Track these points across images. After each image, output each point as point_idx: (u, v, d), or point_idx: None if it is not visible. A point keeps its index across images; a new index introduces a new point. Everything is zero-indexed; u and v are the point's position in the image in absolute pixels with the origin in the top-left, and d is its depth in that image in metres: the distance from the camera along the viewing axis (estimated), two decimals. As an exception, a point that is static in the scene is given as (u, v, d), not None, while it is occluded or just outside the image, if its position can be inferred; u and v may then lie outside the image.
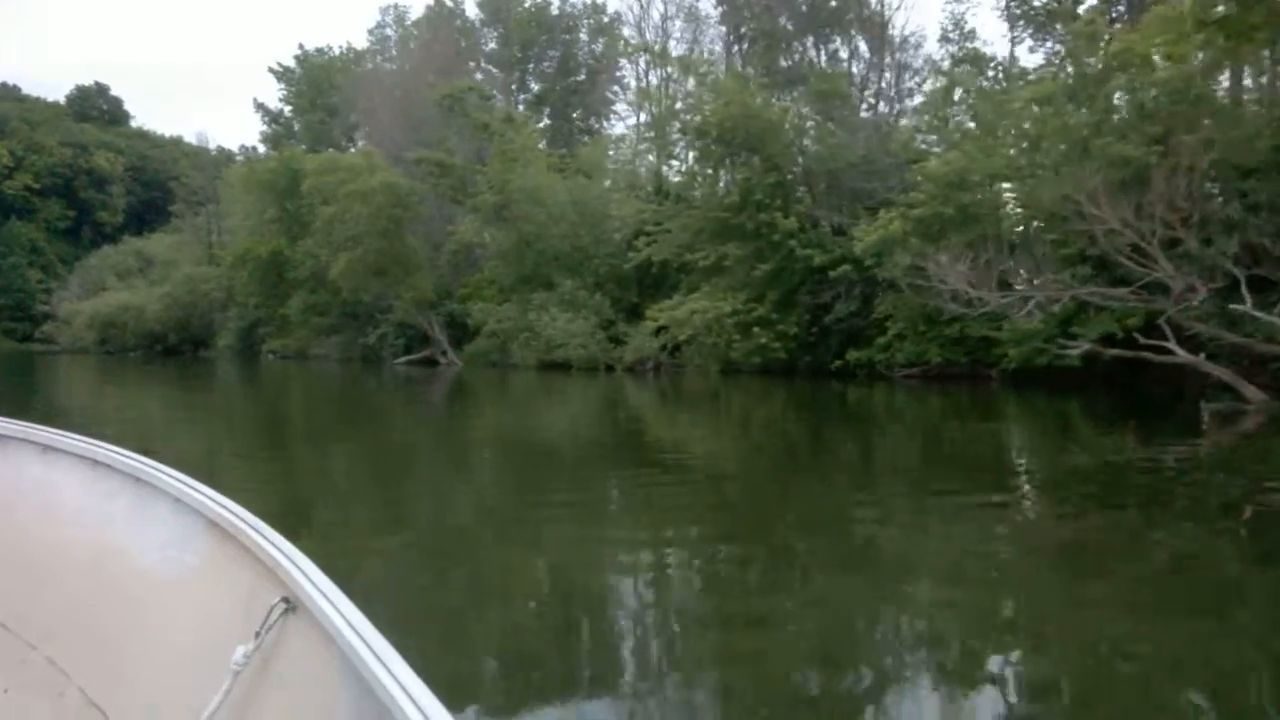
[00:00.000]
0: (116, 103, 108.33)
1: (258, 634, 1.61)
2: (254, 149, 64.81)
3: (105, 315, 58.06)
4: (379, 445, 13.79)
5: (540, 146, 37.33)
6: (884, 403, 21.20)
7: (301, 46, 64.85)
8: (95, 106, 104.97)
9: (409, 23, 61.04)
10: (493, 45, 55.78)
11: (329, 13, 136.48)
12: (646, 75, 45.60)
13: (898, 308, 23.04)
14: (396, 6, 61.79)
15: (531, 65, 55.12)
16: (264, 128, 65.79)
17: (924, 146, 25.66)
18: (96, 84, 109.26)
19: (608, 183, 37.10)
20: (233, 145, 74.75)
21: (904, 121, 29.01)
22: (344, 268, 35.42)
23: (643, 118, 41.69)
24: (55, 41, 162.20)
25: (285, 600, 1.63)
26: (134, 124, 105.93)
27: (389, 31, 62.98)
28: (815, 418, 19.11)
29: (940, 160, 21.96)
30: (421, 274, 36.62)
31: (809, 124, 26.40)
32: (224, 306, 52.82)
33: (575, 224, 32.22)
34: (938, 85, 26.69)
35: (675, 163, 32.88)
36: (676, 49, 41.04)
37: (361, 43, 64.70)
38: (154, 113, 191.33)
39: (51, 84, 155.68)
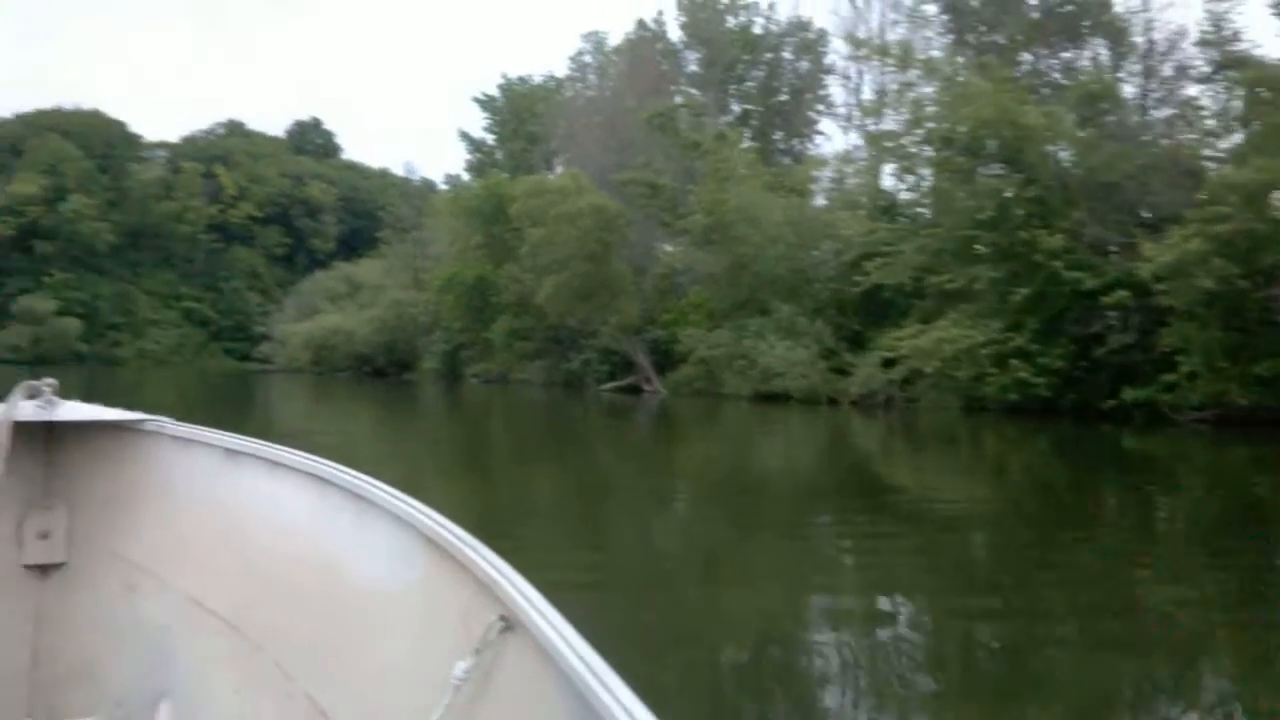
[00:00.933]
0: (329, 136, 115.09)
1: (477, 650, 1.63)
2: (458, 177, 66.49)
3: (318, 337, 60.47)
4: (584, 472, 13.24)
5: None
6: (1174, 450, 18.16)
7: (504, 76, 66.11)
8: (311, 140, 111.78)
9: (608, 49, 61.22)
10: (693, 67, 54.89)
11: (532, 42, 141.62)
12: (859, 90, 43.48)
13: (1190, 340, 19.81)
14: (597, 34, 62.11)
15: (733, 86, 53.82)
16: (468, 156, 67.38)
17: (1209, 153, 22.38)
18: (312, 119, 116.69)
19: (821, 201, 35.07)
20: (438, 174, 77.53)
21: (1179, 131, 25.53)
22: (551, 292, 34.75)
23: (852, 136, 39.61)
24: (275, 80, 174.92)
25: (503, 618, 1.64)
26: (345, 156, 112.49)
27: (588, 59, 63.39)
28: (1087, 465, 16.44)
29: (1251, 168, 18.72)
30: (627, 298, 35.55)
31: (1076, 132, 23.38)
32: (428, 330, 53.79)
33: (793, 245, 30.27)
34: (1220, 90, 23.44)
35: (908, 178, 30.38)
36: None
37: (562, 71, 65.39)
38: (364, 145, 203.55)
39: (272, 119, 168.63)
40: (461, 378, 47.99)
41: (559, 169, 54.79)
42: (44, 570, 2.43)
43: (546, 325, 39.98)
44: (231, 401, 33.77)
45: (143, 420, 2.51)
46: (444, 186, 68.86)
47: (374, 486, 2.10)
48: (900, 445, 19.65)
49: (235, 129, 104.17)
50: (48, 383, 2.37)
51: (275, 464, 2.32)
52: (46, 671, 2.38)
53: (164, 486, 2.47)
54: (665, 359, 35.60)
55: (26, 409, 2.31)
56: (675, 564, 7.22)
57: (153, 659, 2.32)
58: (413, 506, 2.01)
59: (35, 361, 67.39)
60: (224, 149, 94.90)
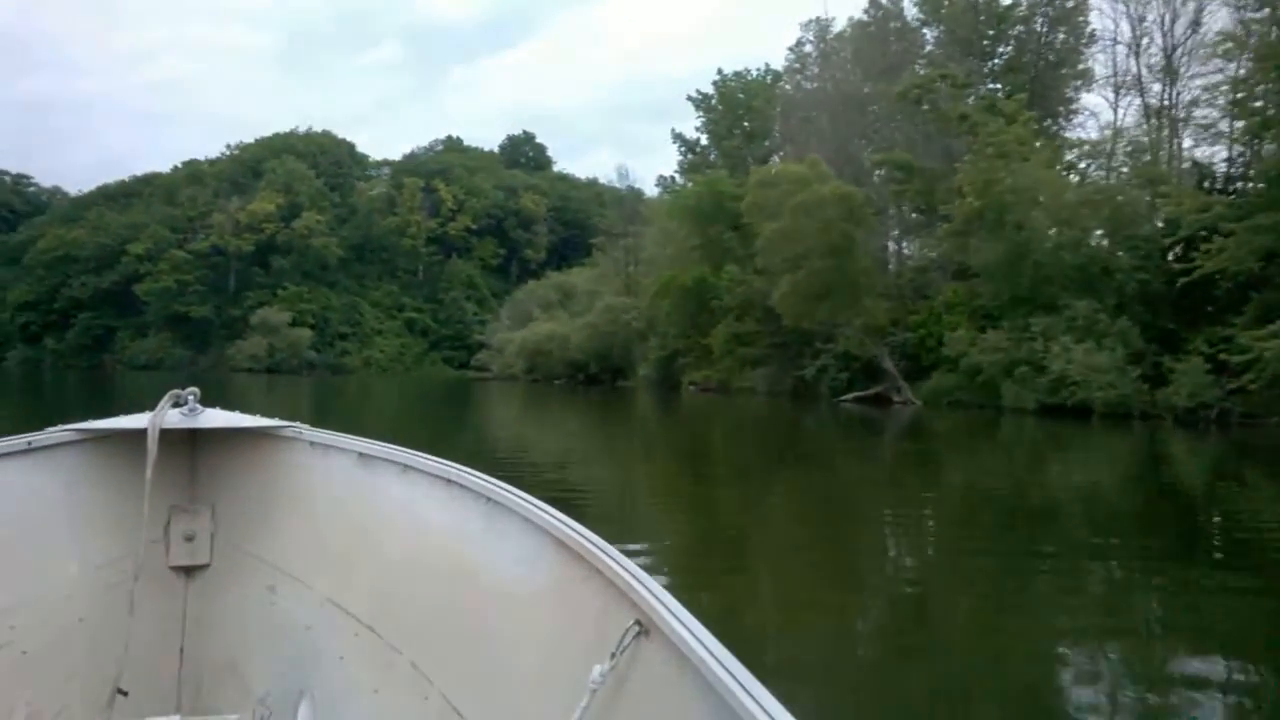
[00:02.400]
0: (541, 149, 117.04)
1: (613, 655, 1.63)
2: (671, 180, 64.22)
3: (533, 344, 59.78)
4: (832, 496, 11.57)
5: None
6: None
7: (720, 71, 63.14)
8: (523, 153, 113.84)
9: (831, 36, 57.10)
10: (931, 47, 49.89)
11: (746, 37, 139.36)
12: (1137, 55, 37.41)
13: None
14: (819, 20, 58.07)
15: (975, 60, 48.40)
16: (680, 158, 64.96)
17: None
18: (524, 132, 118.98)
19: (1101, 176, 29.74)
20: (647, 183, 75.80)
21: None
22: (786, 291, 31.10)
23: (1133, 106, 33.81)
24: (490, 97, 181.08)
25: (638, 623, 1.64)
26: (556, 168, 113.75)
27: (809, 48, 59.52)
28: None
29: None
30: (872, 297, 31.43)
31: None
32: (643, 337, 51.65)
33: (1087, 230, 25.30)
34: None
35: (1220, 149, 24.75)
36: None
37: (780, 62, 61.79)
38: (574, 156, 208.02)
39: (487, 134, 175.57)
40: (678, 386, 45.27)
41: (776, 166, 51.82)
42: (189, 571, 2.49)
43: (773, 329, 36.50)
44: (448, 411, 32.25)
45: (281, 426, 2.54)
46: (655, 191, 66.80)
47: (504, 490, 2.12)
48: (1252, 472, 15.00)
49: (453, 145, 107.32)
50: (191, 391, 2.40)
51: (408, 468, 2.35)
52: (193, 669, 2.43)
53: (302, 490, 2.52)
54: (914, 365, 31.27)
55: (173, 416, 2.35)
56: (951, 618, 5.87)
57: (294, 658, 2.36)
58: (543, 510, 2.01)
59: (270, 370, 70.73)
60: (442, 164, 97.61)
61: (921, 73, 36.63)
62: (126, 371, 69.55)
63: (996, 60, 48.44)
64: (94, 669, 2.25)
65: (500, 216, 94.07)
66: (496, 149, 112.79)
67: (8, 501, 2.27)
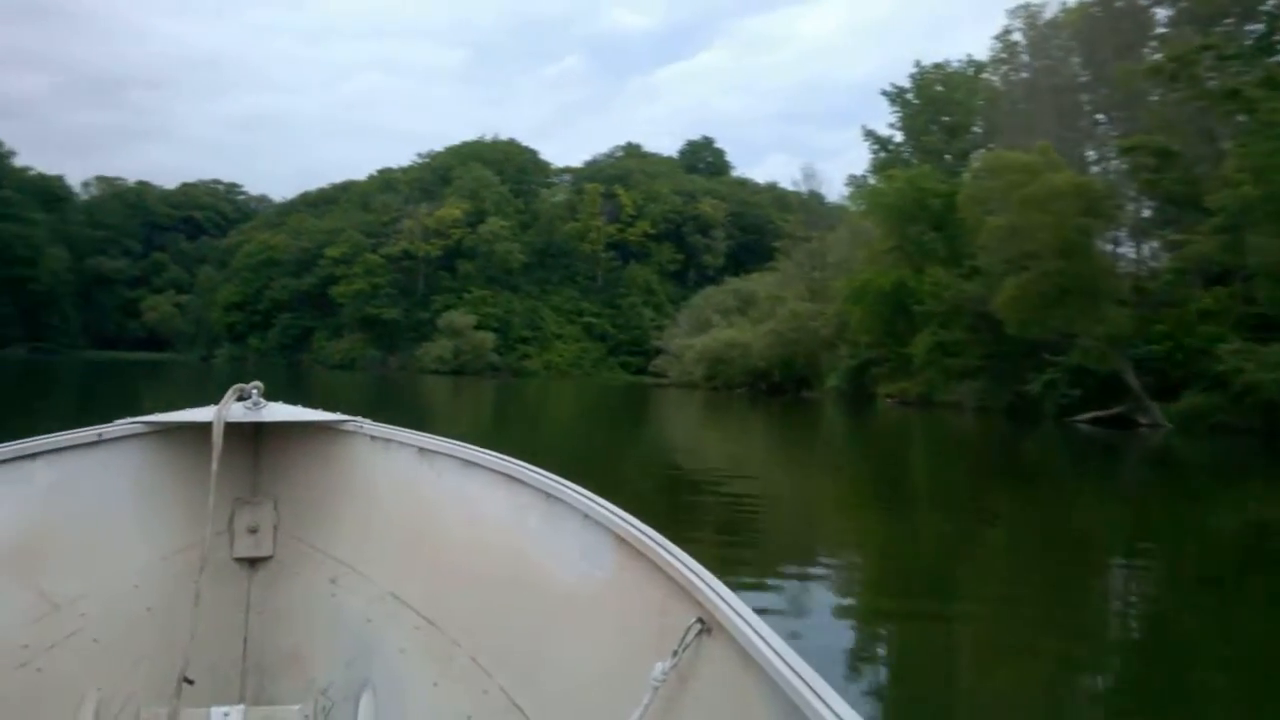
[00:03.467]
0: (720, 154, 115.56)
1: (675, 652, 1.62)
2: (863, 178, 61.06)
3: (713, 351, 57.91)
4: (1055, 528, 9.86)
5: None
6: None
7: (918, 64, 59.52)
8: (701, 159, 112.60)
9: (1043, 23, 52.63)
10: (1162, 29, 44.91)
11: (946, 28, 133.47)
12: None
13: None
14: (1028, 6, 53.67)
15: (1217, 44, 43.15)
16: (872, 155, 61.63)
17: None
18: (704, 137, 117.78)
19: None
20: (823, 183, 72.42)
21: None
22: (1013, 295, 27.79)
23: None
24: (666, 105, 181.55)
25: (700, 620, 1.64)
26: (734, 173, 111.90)
27: (1017, 36, 55.19)
28: None
29: None
30: (1112, 304, 27.71)
31: None
32: (831, 345, 48.83)
33: None
34: None
35: None
36: None
37: (983, 53, 57.67)
38: (752, 161, 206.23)
39: (667, 140, 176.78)
40: (871, 398, 42.29)
41: (976, 162, 48.23)
42: (253, 563, 2.50)
43: (987, 338, 33.10)
44: (625, 417, 30.79)
45: (343, 420, 2.54)
46: (836, 195, 63.88)
47: (563, 485, 2.12)
48: None
49: (632, 151, 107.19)
50: (255, 385, 2.42)
51: (468, 462, 2.35)
52: (256, 659, 2.44)
53: (363, 484, 2.52)
54: (1158, 382, 27.38)
55: (237, 410, 2.36)
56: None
57: (355, 650, 2.38)
58: (603, 506, 2.01)
59: (455, 372, 71.91)
60: (622, 170, 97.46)
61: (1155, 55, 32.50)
62: (322, 370, 72.29)
63: (1248, 40, 43.23)
64: (161, 657, 2.26)
65: (678, 222, 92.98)
66: (676, 154, 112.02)
67: (78, 492, 2.30)
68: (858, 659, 5.31)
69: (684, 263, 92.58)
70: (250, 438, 2.53)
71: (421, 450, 2.44)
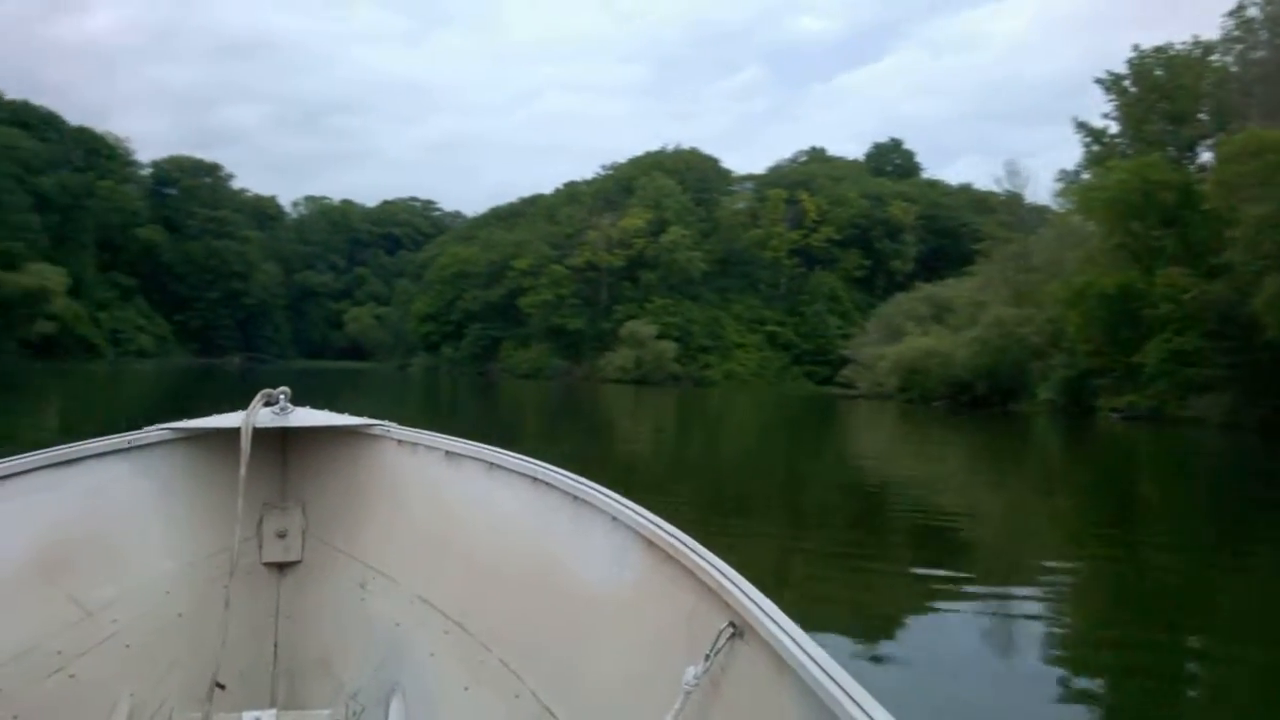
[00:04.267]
0: (908, 155, 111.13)
1: (707, 656, 1.60)
2: (1075, 173, 56.58)
3: (909, 361, 54.77)
4: None
5: None
6: None
7: (1136, 48, 54.52)
8: (889, 161, 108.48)
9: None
10: None
11: (1153, 18, 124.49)
12: None
13: None
14: (1267, -20, 48.10)
15: None
16: (1084, 149, 56.98)
17: None
18: (891, 140, 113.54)
19: None
20: (1029, 179, 67.43)
21: None
22: (1275, 294, 24.24)
23: None
24: (849, 110, 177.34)
25: (732, 625, 1.61)
26: (924, 175, 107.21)
27: (1253, 12, 49.60)
28: None
29: None
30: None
31: None
32: (1041, 353, 45.10)
33: None
34: None
35: None
36: None
37: (1213, 34, 52.14)
38: (937, 167, 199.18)
39: (853, 144, 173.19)
40: (1090, 412, 38.49)
41: (1203, 154, 43.68)
42: (282, 568, 2.50)
43: (1234, 345, 29.31)
44: (812, 430, 28.96)
45: (370, 425, 2.54)
46: (1045, 192, 59.41)
47: (590, 488, 2.11)
48: None
49: (816, 155, 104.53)
50: (283, 391, 2.42)
51: (493, 465, 2.35)
52: (286, 663, 2.43)
53: (390, 487, 2.52)
54: None
55: (265, 416, 2.36)
56: None
57: (385, 654, 2.37)
58: (630, 508, 1.99)
59: (637, 381, 71.69)
60: (806, 175, 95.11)
61: None
62: (510, 379, 73.74)
63: None
64: (193, 662, 2.27)
65: (865, 226, 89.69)
66: (862, 157, 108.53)
67: (110, 498, 2.31)
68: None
69: (871, 269, 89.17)
70: (278, 443, 2.52)
71: (448, 453, 2.44)
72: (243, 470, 2.22)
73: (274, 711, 2.21)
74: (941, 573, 7.54)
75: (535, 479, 2.24)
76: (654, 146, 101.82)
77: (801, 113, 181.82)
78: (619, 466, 14.93)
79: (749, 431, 27.80)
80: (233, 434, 2.29)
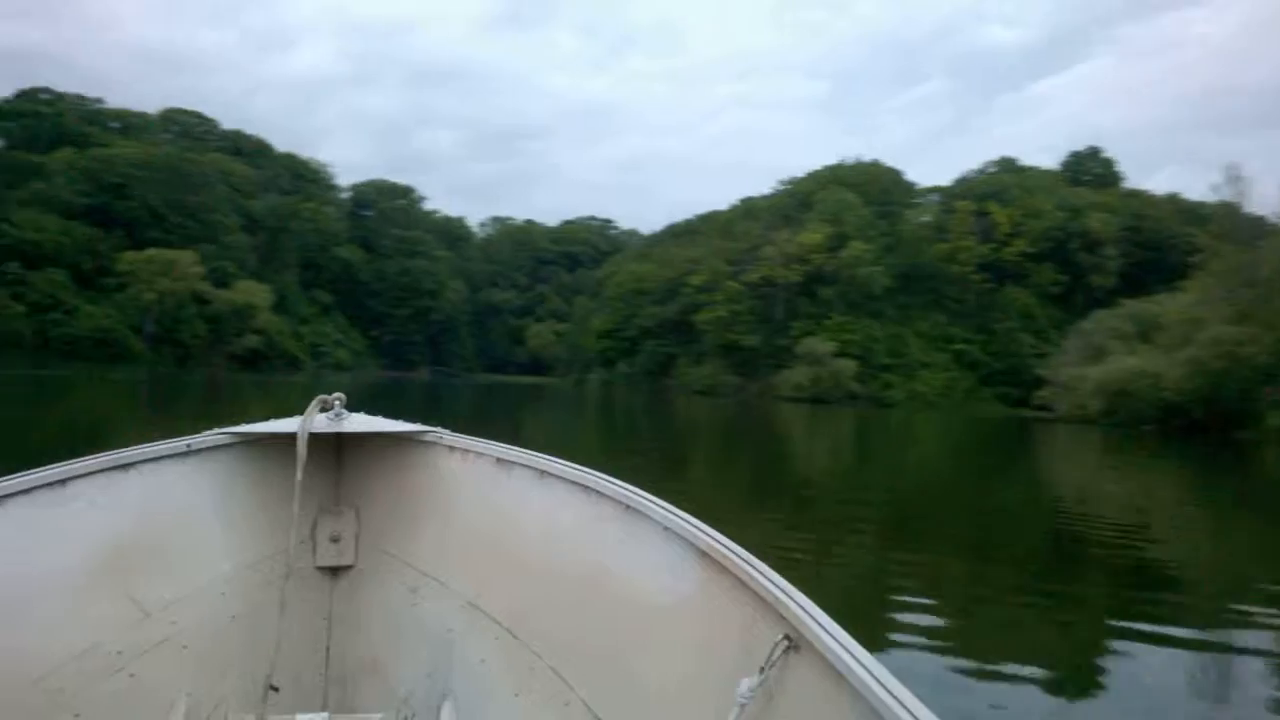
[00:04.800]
0: (1108, 164, 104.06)
1: (762, 669, 1.59)
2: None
3: (1116, 382, 50.58)
4: None
5: None
6: None
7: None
8: (1087, 170, 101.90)
9: None
10: None
11: None
12: None
13: None
14: None
15: None
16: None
17: None
18: (1089, 148, 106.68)
19: None
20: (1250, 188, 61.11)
21: None
22: None
23: None
24: (1039, 120, 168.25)
25: (788, 637, 1.61)
26: (1126, 185, 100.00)
27: None
28: None
29: None
30: None
31: None
32: (1271, 376, 40.69)
33: None
34: None
35: None
36: None
37: None
38: (1142, 174, 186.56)
39: (1043, 156, 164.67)
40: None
41: None
42: (335, 572, 2.53)
43: None
44: (1009, 459, 26.73)
45: (423, 431, 2.56)
46: (1268, 201, 53.82)
47: (643, 497, 2.10)
48: None
49: (1007, 165, 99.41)
50: (337, 396, 2.45)
51: (544, 472, 2.35)
52: (339, 667, 2.47)
53: (442, 494, 2.54)
54: None
55: (320, 421, 2.40)
56: None
57: (436, 660, 2.40)
58: (683, 518, 1.99)
59: (814, 400, 69.74)
60: (996, 186, 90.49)
61: None
62: (683, 395, 73.44)
63: None
64: (248, 664, 2.28)
65: (1061, 239, 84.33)
66: (1058, 166, 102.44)
67: (168, 501, 2.32)
68: None
69: (1068, 284, 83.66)
70: (333, 448, 2.55)
71: (499, 460, 2.44)
72: (299, 474, 2.24)
73: (326, 715, 2.21)
74: (1152, 629, 6.28)
75: (587, 487, 2.23)
76: (831, 161, 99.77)
77: (987, 123, 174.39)
78: (792, 492, 13.98)
79: (941, 456, 26.05)
80: (289, 439, 2.32)
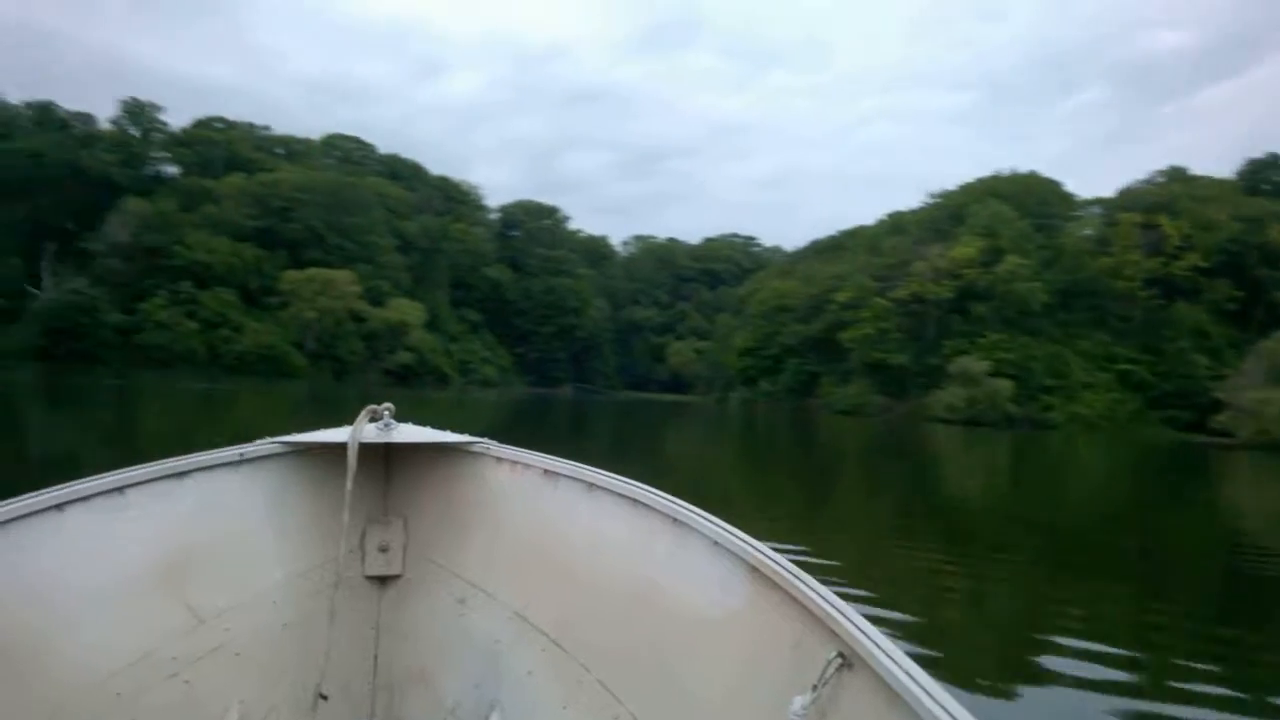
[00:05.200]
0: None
1: (815, 686, 1.57)
2: None
3: (1306, 406, 46.67)
4: None
5: None
6: None
7: None
8: (1267, 179, 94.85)
9: None
10: None
11: None
12: None
13: None
14: None
15: None
16: None
17: None
18: (1269, 154, 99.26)
19: None
20: None
21: None
22: None
23: None
24: (1208, 128, 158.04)
25: (841, 655, 1.58)
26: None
27: None
28: None
29: None
30: None
31: None
32: None
33: None
34: None
35: None
36: None
37: None
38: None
39: (1214, 165, 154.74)
40: None
41: None
42: (383, 581, 2.54)
43: None
44: (1189, 488, 24.78)
45: (471, 442, 2.56)
46: None
47: (691, 512, 2.07)
48: None
49: (1176, 175, 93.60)
50: (386, 407, 2.44)
51: (593, 485, 2.34)
52: (387, 676, 2.47)
53: (490, 505, 2.54)
54: None
55: (369, 431, 2.39)
56: None
57: (483, 670, 2.39)
58: (733, 533, 1.96)
59: (969, 422, 67.02)
60: (1165, 196, 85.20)
61: None
62: (827, 415, 71.95)
63: None
64: (298, 672, 2.29)
65: (1238, 252, 78.67)
66: (1234, 175, 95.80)
67: (221, 510, 2.32)
68: None
69: (1247, 300, 77.91)
70: (382, 458, 2.56)
71: (547, 472, 2.43)
72: (349, 484, 2.24)
73: None
74: None
75: (635, 500, 2.21)
76: (983, 173, 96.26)
77: (1152, 132, 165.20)
78: (948, 520, 13.25)
79: (1111, 483, 24.45)
80: (339, 449, 2.33)
